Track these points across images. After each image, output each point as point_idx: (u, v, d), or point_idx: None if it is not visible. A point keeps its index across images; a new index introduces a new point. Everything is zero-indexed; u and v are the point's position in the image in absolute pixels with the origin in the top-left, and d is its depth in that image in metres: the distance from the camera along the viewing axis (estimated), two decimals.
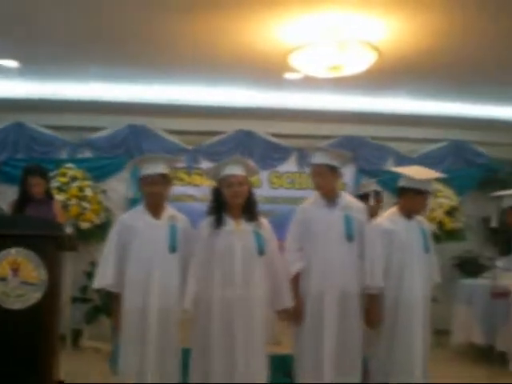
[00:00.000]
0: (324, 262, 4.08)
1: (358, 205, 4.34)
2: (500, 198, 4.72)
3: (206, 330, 3.78)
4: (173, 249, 3.91)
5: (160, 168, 3.98)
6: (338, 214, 4.16)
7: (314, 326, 4.04)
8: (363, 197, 5.28)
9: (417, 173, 4.37)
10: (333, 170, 4.20)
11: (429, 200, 4.48)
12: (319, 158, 4.20)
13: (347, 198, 4.32)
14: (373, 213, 5.01)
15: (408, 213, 4.32)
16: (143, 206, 4.05)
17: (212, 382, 3.72)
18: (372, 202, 5.16)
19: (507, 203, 4.55)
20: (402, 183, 4.34)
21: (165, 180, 4.01)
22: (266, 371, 3.87)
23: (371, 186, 5.72)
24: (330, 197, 4.21)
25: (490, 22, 5.00)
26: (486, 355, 5.99)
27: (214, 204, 3.97)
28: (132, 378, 3.75)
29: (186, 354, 3.91)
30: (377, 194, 5.35)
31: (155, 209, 4.00)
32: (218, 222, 3.87)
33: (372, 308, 4.18)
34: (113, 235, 3.99)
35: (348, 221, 4.14)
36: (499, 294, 5.08)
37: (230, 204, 3.91)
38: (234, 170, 3.90)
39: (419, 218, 4.42)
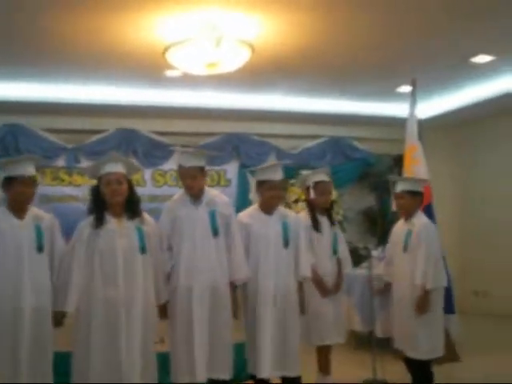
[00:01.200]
0: (192, 259, 4.09)
1: (223, 199, 4.38)
2: (393, 183, 5.00)
3: (88, 331, 3.70)
4: (40, 248, 3.81)
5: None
6: (202, 210, 4.18)
7: (185, 323, 4.03)
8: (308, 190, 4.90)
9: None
10: (202, 171, 4.24)
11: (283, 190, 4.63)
12: (189, 161, 4.18)
13: (212, 193, 4.35)
14: (316, 206, 4.91)
15: (264, 206, 4.46)
16: (5, 207, 3.90)
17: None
18: (312, 194, 4.83)
19: (399, 188, 4.80)
20: None
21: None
22: (156, 370, 3.89)
23: (311, 177, 4.98)
24: (195, 194, 4.22)
25: (364, 21, 5.19)
26: (366, 342, 6.25)
27: (94, 203, 3.91)
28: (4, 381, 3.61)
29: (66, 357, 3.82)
30: (315, 184, 4.87)
31: (18, 209, 3.86)
32: (99, 222, 3.80)
33: (233, 299, 4.30)
34: None
35: (213, 216, 4.18)
36: (380, 290, 5.30)
37: (110, 202, 3.85)
38: (113, 168, 3.84)
39: (284, 211, 4.55)
